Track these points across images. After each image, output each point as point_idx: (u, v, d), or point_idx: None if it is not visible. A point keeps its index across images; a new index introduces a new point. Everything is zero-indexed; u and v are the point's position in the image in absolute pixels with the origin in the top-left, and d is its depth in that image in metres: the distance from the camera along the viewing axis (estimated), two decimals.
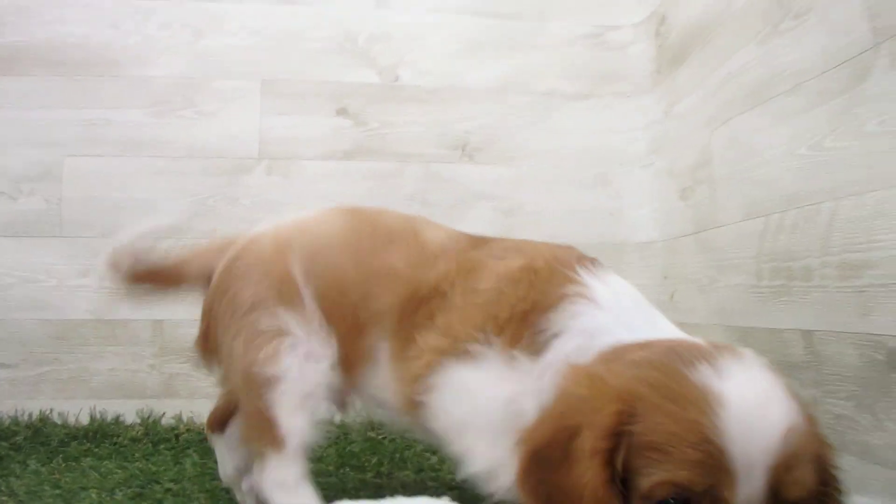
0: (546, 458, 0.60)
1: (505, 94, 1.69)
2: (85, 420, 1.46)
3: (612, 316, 0.72)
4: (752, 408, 0.55)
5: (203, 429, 1.41)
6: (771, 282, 1.19)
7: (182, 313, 1.46)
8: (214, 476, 1.09)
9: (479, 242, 0.89)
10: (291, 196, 1.59)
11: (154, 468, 1.19)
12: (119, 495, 1.05)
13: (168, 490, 1.08)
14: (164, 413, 1.49)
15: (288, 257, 0.88)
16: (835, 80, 1.04)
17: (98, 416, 1.47)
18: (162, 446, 1.34)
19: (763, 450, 0.54)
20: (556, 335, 0.73)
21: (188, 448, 1.33)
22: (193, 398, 1.52)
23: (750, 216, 1.27)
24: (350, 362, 0.87)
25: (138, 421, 1.46)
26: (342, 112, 1.63)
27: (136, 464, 1.22)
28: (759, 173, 1.25)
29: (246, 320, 0.86)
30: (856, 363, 0.98)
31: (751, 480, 0.53)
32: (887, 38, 0.94)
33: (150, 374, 1.54)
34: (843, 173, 1.03)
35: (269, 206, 1.56)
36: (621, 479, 0.57)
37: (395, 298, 0.84)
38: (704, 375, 0.57)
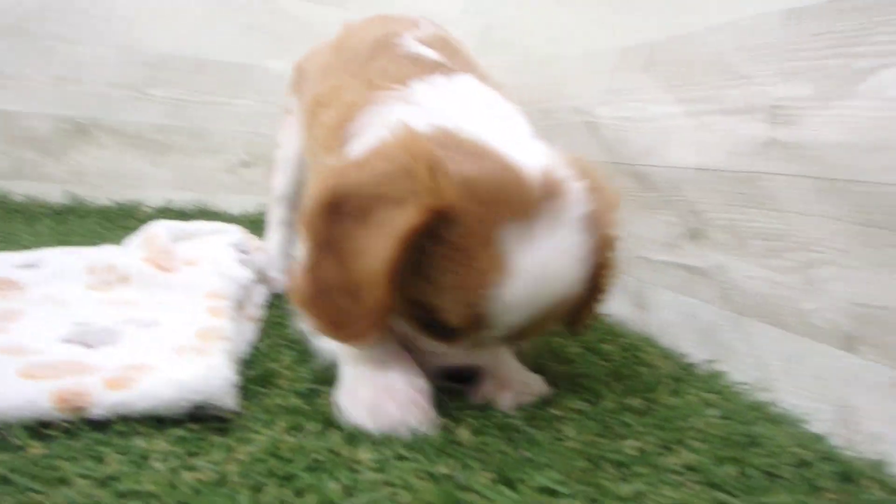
0: (343, 207, 0.59)
1: None
2: None
3: (423, 109, 0.69)
4: (532, 283, 0.60)
5: (53, 205, 1.67)
6: None
7: (31, 107, 1.67)
8: (64, 238, 1.39)
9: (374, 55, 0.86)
10: None
11: (10, 229, 1.45)
12: None
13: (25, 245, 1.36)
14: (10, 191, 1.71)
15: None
16: None
17: None
18: (16, 215, 1.58)
19: (526, 316, 0.62)
20: (353, 136, 0.73)
21: (41, 217, 1.58)
22: (42, 181, 1.75)
23: None
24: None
25: None
26: None
27: None
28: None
29: None
30: None
31: (507, 327, 0.63)
32: None
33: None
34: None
35: None
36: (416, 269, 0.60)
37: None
38: (515, 235, 0.59)
